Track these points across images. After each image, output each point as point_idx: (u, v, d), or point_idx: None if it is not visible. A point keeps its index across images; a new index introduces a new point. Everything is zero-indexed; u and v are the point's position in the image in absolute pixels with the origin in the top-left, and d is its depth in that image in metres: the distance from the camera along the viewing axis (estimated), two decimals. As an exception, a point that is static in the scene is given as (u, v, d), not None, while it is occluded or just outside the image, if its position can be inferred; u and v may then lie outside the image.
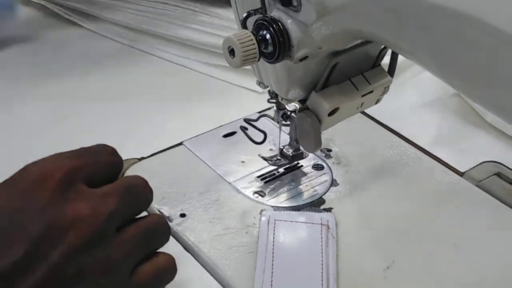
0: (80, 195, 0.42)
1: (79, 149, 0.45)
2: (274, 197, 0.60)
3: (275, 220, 0.57)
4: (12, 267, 0.38)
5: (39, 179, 0.41)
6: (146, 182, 0.47)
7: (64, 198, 0.41)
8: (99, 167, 0.45)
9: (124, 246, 0.43)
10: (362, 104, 0.56)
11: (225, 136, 0.68)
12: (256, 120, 0.63)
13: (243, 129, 0.64)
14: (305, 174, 0.63)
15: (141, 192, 0.46)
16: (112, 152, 0.47)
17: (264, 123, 0.64)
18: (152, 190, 0.47)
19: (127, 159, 0.65)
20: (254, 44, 0.48)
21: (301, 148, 0.62)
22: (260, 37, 0.48)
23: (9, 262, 0.38)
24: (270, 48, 0.48)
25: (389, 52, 0.55)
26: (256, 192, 0.61)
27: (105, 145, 0.47)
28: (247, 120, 0.63)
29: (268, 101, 0.59)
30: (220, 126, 0.70)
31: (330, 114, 0.54)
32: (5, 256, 0.39)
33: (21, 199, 0.41)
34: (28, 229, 0.39)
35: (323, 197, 0.61)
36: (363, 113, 0.70)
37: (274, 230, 0.55)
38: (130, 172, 0.63)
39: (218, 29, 0.81)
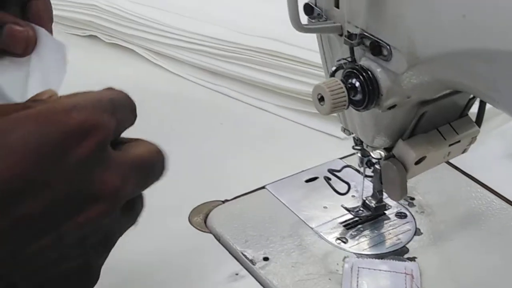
0: (111, 163, 0.36)
1: (113, 98, 0.38)
2: (356, 244, 0.60)
3: (358, 267, 0.56)
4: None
5: (77, 131, 0.34)
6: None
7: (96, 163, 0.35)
8: (125, 126, 0.39)
9: None
10: (449, 153, 0.56)
11: (307, 181, 0.69)
12: (339, 171, 0.64)
13: (327, 179, 0.64)
14: (388, 221, 0.63)
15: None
16: (134, 108, 0.40)
17: (348, 173, 0.64)
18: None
19: (210, 201, 0.66)
20: (343, 92, 0.48)
21: (384, 200, 0.62)
22: (349, 85, 0.49)
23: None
24: (359, 96, 0.49)
25: (477, 101, 0.55)
26: (338, 239, 0.61)
27: (128, 97, 0.40)
28: (330, 171, 0.64)
29: (353, 147, 0.59)
30: (302, 171, 0.70)
31: (416, 163, 0.54)
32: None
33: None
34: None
35: (407, 246, 0.60)
36: (446, 161, 0.69)
37: (357, 278, 0.55)
38: (214, 214, 0.64)
39: (300, 75, 0.82)
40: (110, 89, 0.39)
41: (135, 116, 0.40)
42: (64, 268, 0.36)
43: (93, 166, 0.35)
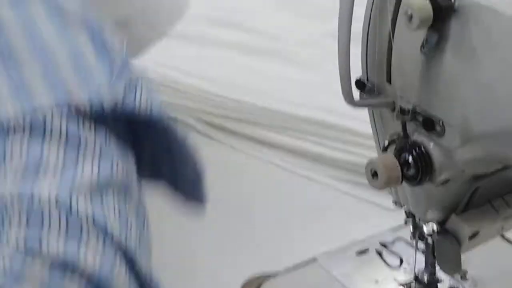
0: None
1: None
2: (410, 318, 0.60)
3: None
4: None
5: None
6: None
7: None
8: None
9: None
10: (502, 227, 0.55)
11: (358, 253, 0.68)
12: (391, 244, 0.63)
13: (379, 252, 0.64)
14: (441, 296, 0.62)
15: None
16: None
17: (399, 245, 0.64)
18: None
19: (261, 276, 0.66)
20: (397, 167, 0.49)
21: (436, 274, 0.61)
22: (402, 160, 0.49)
23: None
24: (413, 172, 0.49)
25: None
26: (391, 313, 0.60)
27: None
28: (382, 243, 0.64)
29: (405, 221, 0.59)
30: (353, 242, 0.70)
31: (470, 238, 0.53)
32: None
33: None
34: None
35: (461, 321, 0.59)
36: (500, 235, 0.68)
37: None
38: None
39: (348, 145, 0.82)
40: None
41: None
42: None
43: None
